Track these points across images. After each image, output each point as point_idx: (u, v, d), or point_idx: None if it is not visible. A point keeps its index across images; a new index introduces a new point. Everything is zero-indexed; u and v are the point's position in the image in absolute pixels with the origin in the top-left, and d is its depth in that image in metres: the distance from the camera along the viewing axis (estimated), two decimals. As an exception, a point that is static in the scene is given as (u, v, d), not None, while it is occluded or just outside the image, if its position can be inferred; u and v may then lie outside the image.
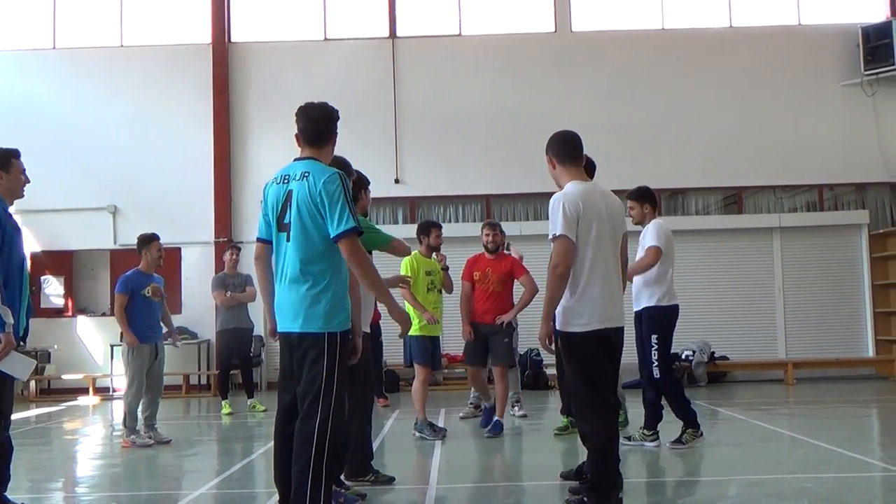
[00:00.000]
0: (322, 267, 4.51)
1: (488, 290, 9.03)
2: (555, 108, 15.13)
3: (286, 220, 4.57)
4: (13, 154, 5.81)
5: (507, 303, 9.11)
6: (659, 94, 15.64)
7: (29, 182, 5.85)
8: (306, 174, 4.58)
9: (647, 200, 7.74)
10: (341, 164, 5.29)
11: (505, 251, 9.73)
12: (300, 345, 4.54)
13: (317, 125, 4.78)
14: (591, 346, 5.11)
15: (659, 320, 7.47)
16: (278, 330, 4.67)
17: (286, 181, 4.66)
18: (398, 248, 6.60)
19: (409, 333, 8.83)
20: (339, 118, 4.88)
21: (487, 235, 9.27)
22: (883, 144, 15.49)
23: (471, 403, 10.31)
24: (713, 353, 14.60)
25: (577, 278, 5.09)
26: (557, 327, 5.18)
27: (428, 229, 9.14)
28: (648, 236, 7.51)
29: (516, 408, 10.11)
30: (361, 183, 6.28)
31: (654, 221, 7.70)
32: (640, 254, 7.56)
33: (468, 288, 9.15)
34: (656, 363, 7.45)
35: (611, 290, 5.20)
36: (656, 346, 7.42)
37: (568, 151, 5.39)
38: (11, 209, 5.94)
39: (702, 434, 7.66)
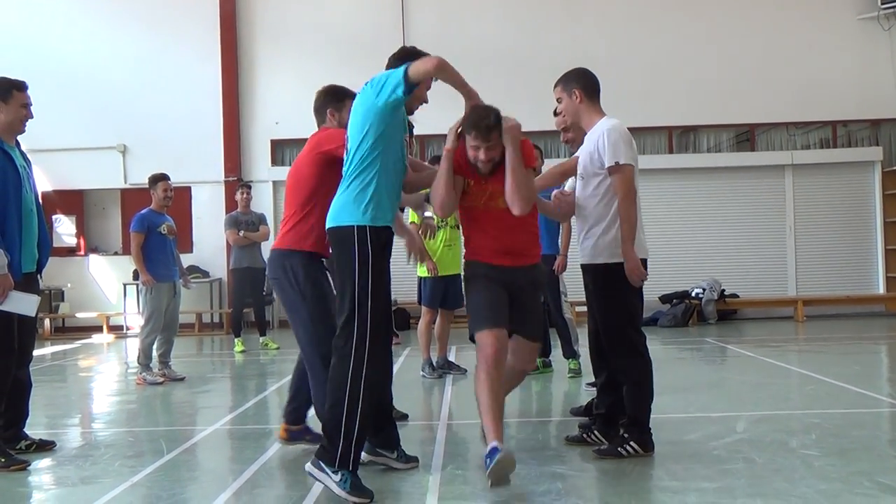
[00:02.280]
0: (369, 164, 4.50)
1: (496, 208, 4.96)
2: (564, 44, 14.95)
3: None
4: (15, 85, 5.68)
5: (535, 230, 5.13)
6: (670, 29, 15.42)
7: (31, 117, 5.74)
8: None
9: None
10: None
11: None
12: (330, 242, 4.58)
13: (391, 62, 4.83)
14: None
15: None
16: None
17: None
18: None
19: (421, 275, 8.85)
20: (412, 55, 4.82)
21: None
22: (899, 80, 15.30)
23: None
24: (723, 290, 14.62)
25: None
26: (601, 260, 5.17)
27: (437, 161, 8.65)
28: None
29: None
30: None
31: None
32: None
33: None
34: None
35: (642, 225, 5.26)
36: None
37: (595, 88, 5.35)
38: (24, 148, 5.91)
39: None
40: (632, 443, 5.12)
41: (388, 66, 4.77)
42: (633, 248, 5.04)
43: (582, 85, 5.31)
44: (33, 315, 5.62)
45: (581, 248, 5.31)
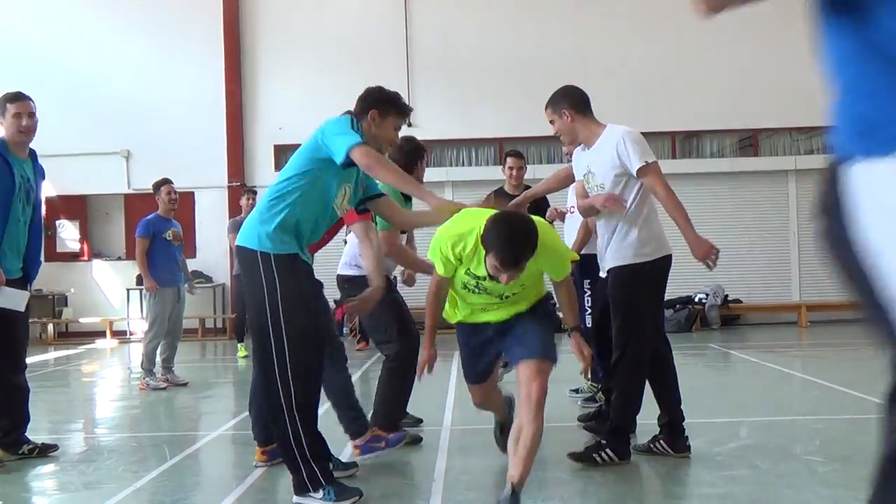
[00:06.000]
0: (280, 202, 4.40)
1: None
2: (569, 48, 14.97)
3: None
4: (6, 98, 5.69)
5: None
6: (674, 33, 15.43)
7: (28, 125, 5.69)
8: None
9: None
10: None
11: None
12: (237, 259, 4.61)
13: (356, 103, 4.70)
14: (658, 274, 5.11)
15: (594, 265, 6.19)
16: None
17: None
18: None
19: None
20: (379, 101, 4.65)
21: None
22: (902, 85, 15.28)
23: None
24: (727, 296, 14.61)
25: (641, 210, 5.09)
26: (619, 263, 5.11)
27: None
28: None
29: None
30: (418, 154, 5.91)
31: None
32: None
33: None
34: (589, 311, 6.94)
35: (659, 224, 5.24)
36: (588, 292, 7.07)
37: (584, 101, 5.26)
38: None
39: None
40: (608, 450, 5.09)
41: (355, 108, 4.66)
42: (695, 233, 4.93)
43: (570, 103, 5.21)
44: (22, 310, 5.63)
45: (608, 251, 5.22)
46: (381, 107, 4.60)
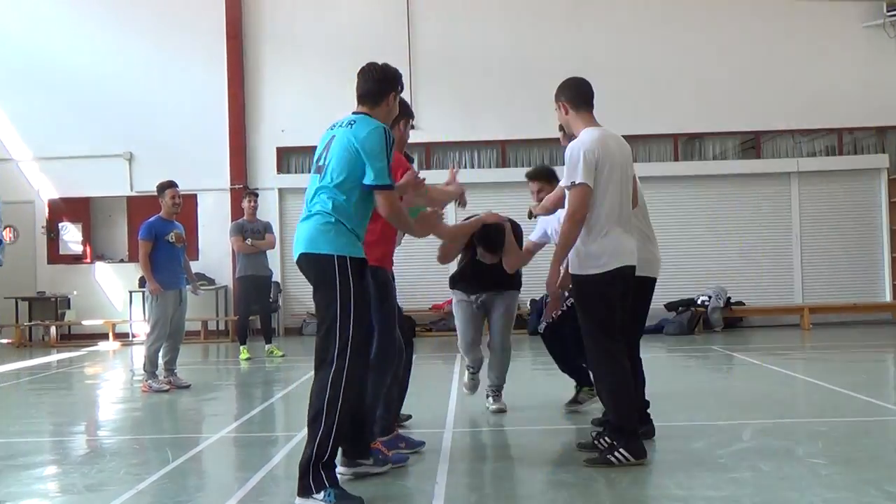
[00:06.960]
0: (343, 208, 4.51)
1: None
2: (570, 51, 14.95)
3: (321, 163, 4.64)
4: None
5: None
6: (677, 35, 15.43)
7: None
8: (352, 123, 4.65)
9: (557, 180, 6.32)
10: (402, 106, 5.21)
11: None
12: (306, 267, 4.58)
13: (368, 84, 4.80)
14: (608, 286, 5.17)
15: None
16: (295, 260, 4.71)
17: (332, 128, 4.74)
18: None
19: None
20: (397, 80, 4.86)
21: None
22: (904, 87, 15.28)
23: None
24: (729, 298, 14.59)
25: (597, 223, 5.16)
26: (573, 271, 5.26)
27: None
28: None
29: (491, 399, 7.22)
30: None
31: None
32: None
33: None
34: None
35: (627, 232, 5.27)
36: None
37: (583, 96, 5.36)
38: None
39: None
40: (621, 450, 5.09)
41: (365, 87, 4.79)
42: (560, 262, 5.28)
43: (567, 96, 5.36)
44: None
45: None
46: (397, 88, 4.85)
